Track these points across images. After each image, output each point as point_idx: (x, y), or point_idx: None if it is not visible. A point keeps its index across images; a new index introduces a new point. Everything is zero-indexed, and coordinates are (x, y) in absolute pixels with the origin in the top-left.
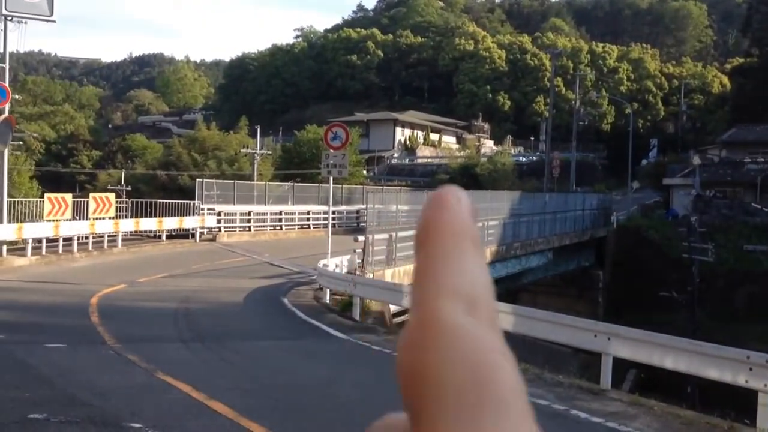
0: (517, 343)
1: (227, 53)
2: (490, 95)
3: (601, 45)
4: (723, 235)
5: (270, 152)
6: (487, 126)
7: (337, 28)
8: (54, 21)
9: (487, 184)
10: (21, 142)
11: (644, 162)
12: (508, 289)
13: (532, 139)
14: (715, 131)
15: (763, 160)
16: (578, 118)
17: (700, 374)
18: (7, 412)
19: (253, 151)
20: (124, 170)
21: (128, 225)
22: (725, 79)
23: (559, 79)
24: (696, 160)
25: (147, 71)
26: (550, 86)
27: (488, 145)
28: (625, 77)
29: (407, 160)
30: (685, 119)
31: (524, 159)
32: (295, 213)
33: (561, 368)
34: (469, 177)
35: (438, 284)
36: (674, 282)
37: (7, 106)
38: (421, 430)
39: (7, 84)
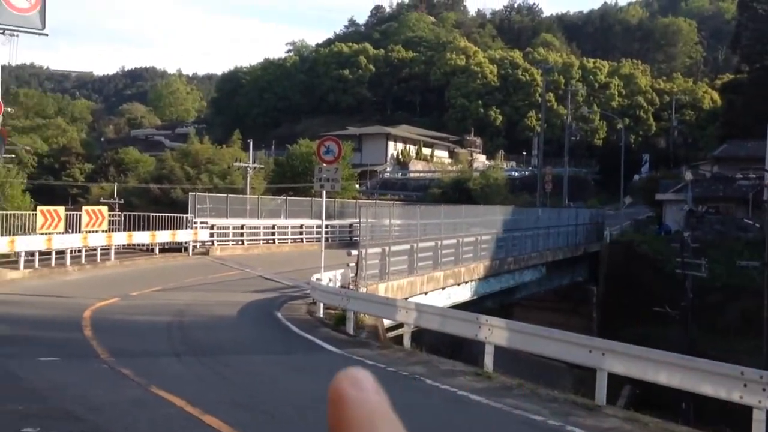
0: (511, 358)
1: (219, 67)
2: (482, 110)
3: (592, 60)
4: (716, 251)
5: (263, 166)
6: (479, 140)
7: (328, 43)
8: (46, 34)
9: (480, 198)
10: (13, 155)
11: (636, 177)
12: (502, 304)
13: (524, 153)
14: (707, 147)
15: (754, 175)
16: (570, 133)
17: (694, 390)
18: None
19: (246, 165)
20: (116, 183)
21: (121, 238)
22: (716, 95)
23: (551, 94)
24: (688, 175)
25: (139, 84)
26: (541, 101)
27: (480, 160)
28: (616, 93)
29: (400, 174)
30: (677, 135)
31: (516, 173)
32: (288, 227)
33: (555, 384)
34: (461, 191)
35: None
36: (668, 297)
37: None
38: None
39: None
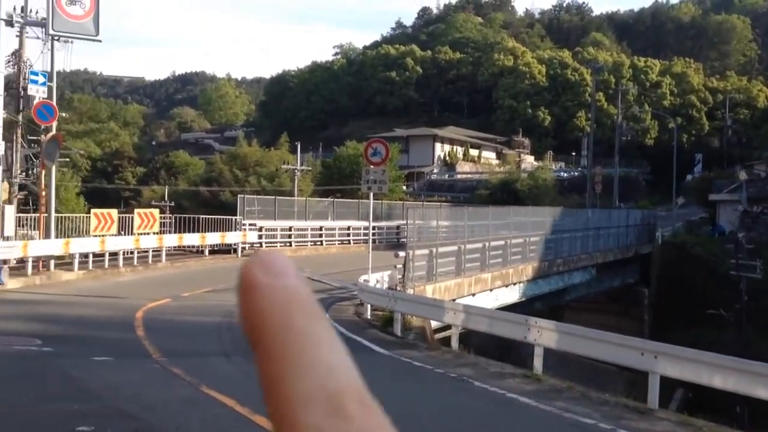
0: (561, 360)
1: (268, 70)
2: (530, 110)
3: (643, 59)
4: None
5: (310, 168)
6: (527, 141)
7: (376, 45)
8: (99, 40)
9: (528, 199)
10: (68, 159)
11: (689, 177)
12: (551, 306)
13: (574, 154)
14: (762, 146)
15: None
16: (620, 133)
17: (749, 393)
18: (55, 425)
19: (294, 167)
20: (167, 186)
21: (172, 240)
22: None
23: (601, 93)
24: (743, 175)
25: (189, 89)
26: (591, 101)
27: (528, 161)
28: (668, 91)
29: (447, 175)
30: (730, 134)
31: (565, 174)
32: (335, 228)
33: (606, 387)
34: (509, 192)
35: (289, 394)
36: (721, 299)
37: (54, 124)
38: None
39: (54, 102)
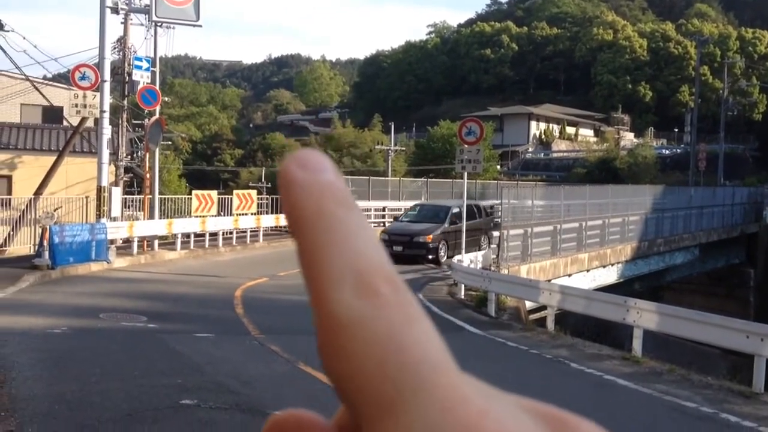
0: (660, 343)
1: (362, 51)
2: (630, 86)
3: (750, 31)
4: None
5: (403, 148)
6: (627, 118)
7: (470, 23)
8: (200, 26)
9: (628, 178)
10: (170, 142)
11: None
12: (651, 287)
13: (676, 130)
14: None
15: None
16: (726, 108)
17: None
18: (161, 398)
19: (387, 148)
20: (264, 168)
21: (269, 221)
22: None
23: (706, 67)
24: None
25: (285, 72)
26: (695, 75)
27: (628, 138)
28: None
29: (542, 154)
30: None
31: (667, 152)
32: None
33: (709, 370)
34: (607, 171)
35: (320, 273)
36: None
37: (157, 108)
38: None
39: (157, 87)
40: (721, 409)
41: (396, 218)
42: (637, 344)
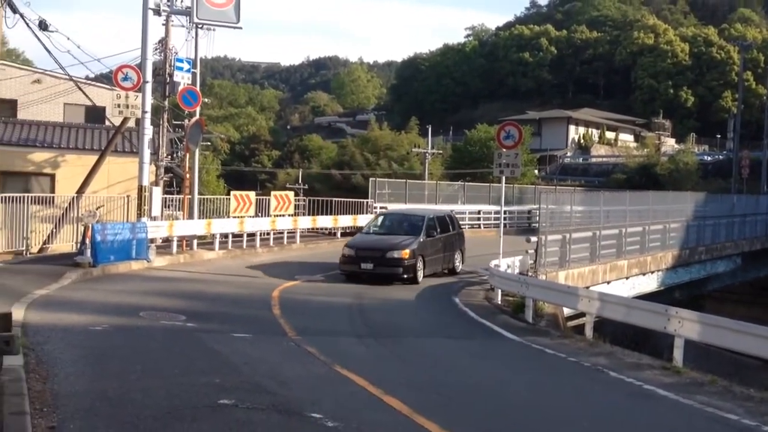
0: (701, 353)
1: (399, 54)
2: (672, 91)
3: None
4: None
5: (440, 152)
6: (668, 123)
7: (509, 26)
8: (240, 27)
9: (668, 184)
10: (209, 143)
11: None
12: (691, 296)
13: (718, 136)
14: None
15: None
16: None
17: None
18: (199, 397)
19: (424, 151)
20: (301, 169)
21: (306, 222)
22: None
23: (749, 72)
24: None
25: (323, 74)
26: (738, 80)
27: (669, 144)
28: None
29: (581, 159)
30: None
31: (709, 158)
32: (465, 212)
33: (750, 381)
34: (647, 177)
35: None
36: None
37: (198, 109)
38: None
39: (197, 88)
40: (763, 421)
41: (360, 229)
42: (678, 354)
